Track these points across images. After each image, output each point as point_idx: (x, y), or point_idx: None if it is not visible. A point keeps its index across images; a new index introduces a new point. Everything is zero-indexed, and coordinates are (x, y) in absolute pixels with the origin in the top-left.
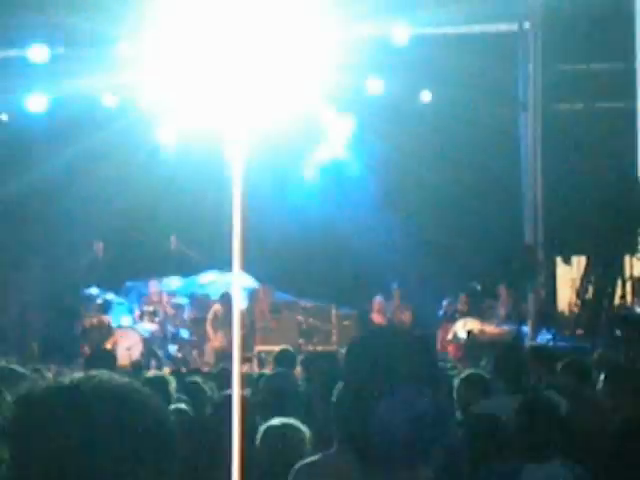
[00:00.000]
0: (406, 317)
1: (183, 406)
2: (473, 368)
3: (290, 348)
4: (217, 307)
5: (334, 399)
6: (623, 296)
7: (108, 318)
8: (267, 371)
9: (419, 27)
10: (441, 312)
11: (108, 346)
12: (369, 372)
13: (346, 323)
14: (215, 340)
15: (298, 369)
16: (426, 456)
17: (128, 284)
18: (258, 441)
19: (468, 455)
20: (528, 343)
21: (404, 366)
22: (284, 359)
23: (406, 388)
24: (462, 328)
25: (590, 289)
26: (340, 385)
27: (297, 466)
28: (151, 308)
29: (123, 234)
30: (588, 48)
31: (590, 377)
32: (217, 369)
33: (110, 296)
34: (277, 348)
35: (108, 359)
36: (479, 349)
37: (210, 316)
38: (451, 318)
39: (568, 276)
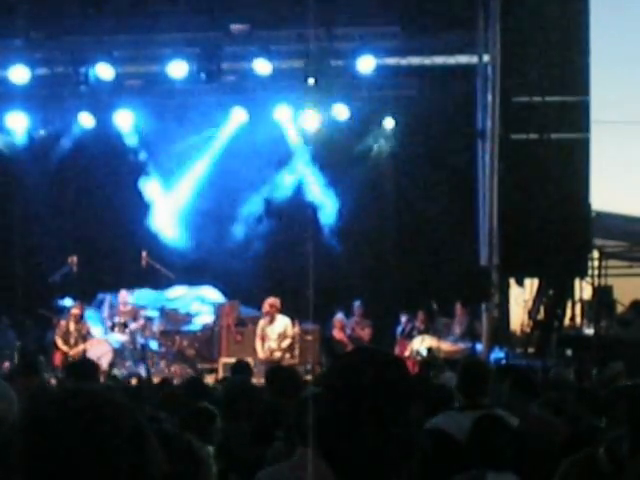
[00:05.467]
0: (365, 333)
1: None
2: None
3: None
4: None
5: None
6: (573, 317)
7: (87, 326)
8: None
9: (383, 57)
10: (399, 329)
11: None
12: (349, 394)
13: (308, 338)
14: None
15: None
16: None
17: (99, 296)
18: None
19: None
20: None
21: (385, 387)
22: (239, 370)
23: (387, 408)
24: (420, 345)
25: (541, 310)
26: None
27: (259, 474)
28: (122, 319)
29: (96, 248)
30: (543, 81)
31: (539, 394)
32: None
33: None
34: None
35: (90, 368)
36: (438, 365)
37: None
38: (409, 335)
39: (521, 297)
